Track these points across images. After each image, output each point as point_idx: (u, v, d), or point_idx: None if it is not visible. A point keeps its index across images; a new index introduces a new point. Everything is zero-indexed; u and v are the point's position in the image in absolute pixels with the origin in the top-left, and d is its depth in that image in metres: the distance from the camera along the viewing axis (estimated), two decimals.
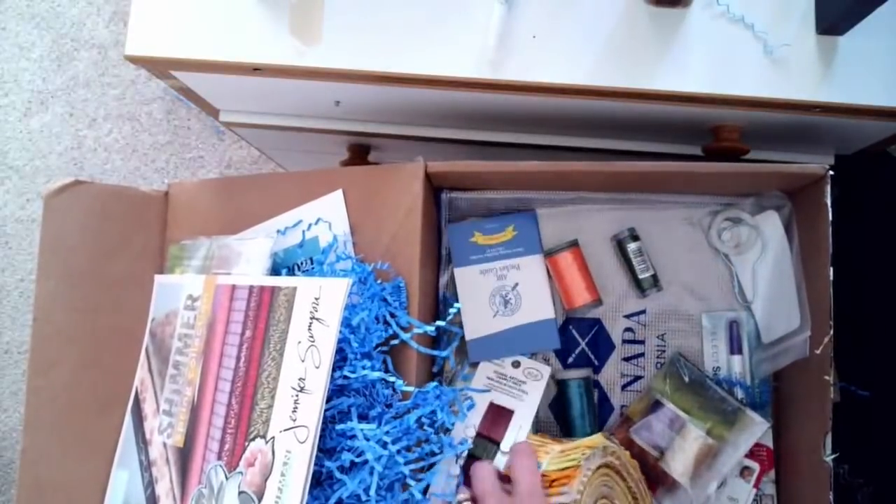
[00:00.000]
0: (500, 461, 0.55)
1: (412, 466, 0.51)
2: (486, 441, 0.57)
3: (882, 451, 0.64)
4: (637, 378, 0.62)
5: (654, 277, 0.61)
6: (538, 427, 0.61)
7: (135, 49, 0.55)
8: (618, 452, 0.53)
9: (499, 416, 0.58)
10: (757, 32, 0.55)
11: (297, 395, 0.48)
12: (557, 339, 0.60)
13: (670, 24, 0.55)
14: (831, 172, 0.51)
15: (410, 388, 0.52)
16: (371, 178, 0.58)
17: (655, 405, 0.58)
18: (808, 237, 0.53)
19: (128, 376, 0.62)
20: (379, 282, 0.54)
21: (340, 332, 0.48)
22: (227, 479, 0.50)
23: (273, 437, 0.48)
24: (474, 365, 0.60)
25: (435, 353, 0.56)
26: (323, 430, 0.50)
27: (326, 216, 0.58)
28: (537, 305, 0.60)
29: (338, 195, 0.58)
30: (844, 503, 0.62)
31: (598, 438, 0.54)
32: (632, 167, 0.54)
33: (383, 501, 0.50)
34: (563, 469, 0.52)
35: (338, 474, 0.50)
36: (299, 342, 0.49)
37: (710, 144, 0.63)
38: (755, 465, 0.56)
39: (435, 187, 0.61)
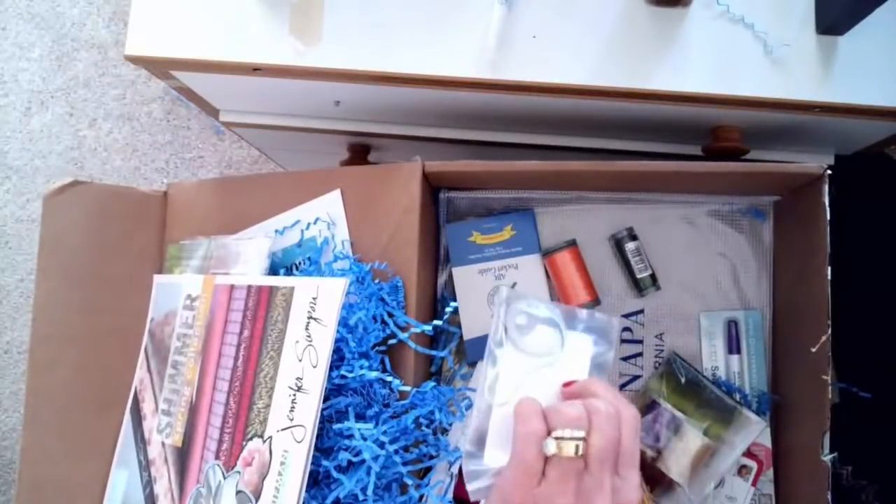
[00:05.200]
0: None
1: (409, 467, 0.51)
2: None
3: (885, 452, 0.63)
4: (635, 377, 0.62)
5: (653, 277, 0.61)
6: None
7: (135, 49, 0.55)
8: None
9: None
10: (757, 32, 0.55)
11: (294, 395, 0.48)
12: None
13: (670, 24, 0.55)
14: (829, 172, 0.50)
15: (407, 388, 0.51)
16: (369, 178, 0.57)
17: (652, 405, 0.58)
18: (807, 236, 0.53)
19: (127, 376, 0.62)
20: (377, 281, 0.54)
21: (338, 331, 0.48)
22: (224, 478, 0.50)
23: (270, 437, 0.48)
24: (472, 364, 0.60)
25: (432, 352, 0.56)
26: (320, 429, 0.50)
27: (324, 216, 0.58)
28: None
29: (336, 195, 0.58)
30: None
31: None
32: (631, 167, 0.54)
33: (380, 501, 0.50)
34: None
35: (335, 474, 0.50)
36: (297, 342, 0.49)
37: (710, 144, 0.63)
38: (753, 464, 0.56)
39: (433, 187, 0.61)
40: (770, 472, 0.58)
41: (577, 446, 0.38)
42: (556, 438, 0.38)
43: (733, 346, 0.60)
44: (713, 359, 0.60)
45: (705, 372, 0.60)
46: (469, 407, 0.57)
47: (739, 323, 0.60)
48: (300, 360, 0.48)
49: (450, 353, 0.59)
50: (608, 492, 0.38)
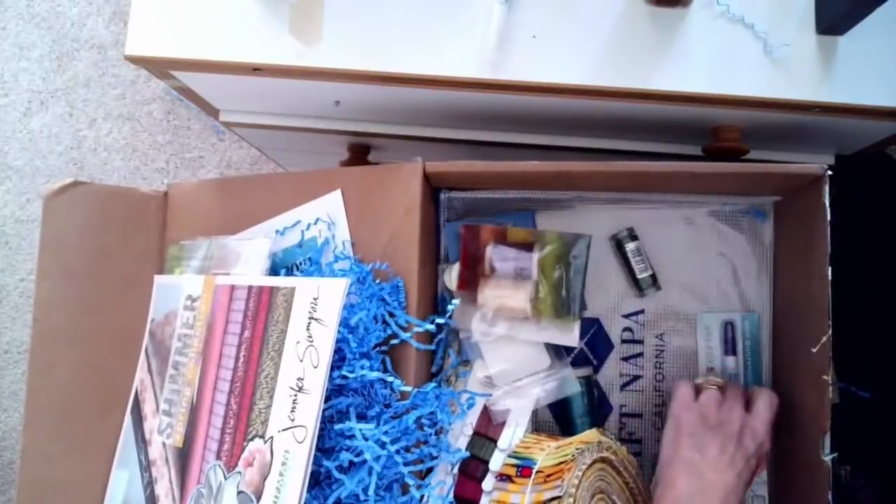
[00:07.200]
0: (498, 459, 0.55)
1: (411, 467, 0.51)
2: (484, 439, 0.57)
3: (884, 452, 0.63)
4: (636, 378, 0.62)
5: (653, 277, 0.61)
6: (537, 426, 0.61)
7: (135, 49, 0.55)
8: (613, 448, 0.53)
9: None
10: (757, 32, 0.55)
11: (295, 395, 0.48)
12: None
13: (670, 24, 0.55)
14: (829, 172, 0.50)
15: (408, 388, 0.52)
16: (369, 178, 0.58)
17: None
18: (807, 237, 0.53)
19: (127, 376, 0.62)
20: (377, 281, 0.54)
21: (339, 331, 0.48)
22: (225, 478, 0.50)
23: (272, 437, 0.48)
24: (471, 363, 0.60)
25: (433, 348, 0.57)
26: (321, 429, 0.50)
27: (325, 216, 0.58)
28: None
29: (336, 195, 0.58)
30: None
31: (592, 434, 0.54)
32: (631, 167, 0.54)
33: (382, 501, 0.50)
34: (557, 464, 0.52)
35: (336, 474, 0.50)
36: (298, 342, 0.49)
37: (710, 144, 0.63)
38: None
39: (433, 187, 0.61)
40: (764, 474, 0.58)
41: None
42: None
43: (729, 347, 0.60)
44: (709, 360, 0.61)
45: (701, 371, 0.60)
46: (471, 406, 0.57)
47: (736, 325, 0.60)
48: (301, 361, 0.48)
49: (453, 353, 0.59)
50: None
